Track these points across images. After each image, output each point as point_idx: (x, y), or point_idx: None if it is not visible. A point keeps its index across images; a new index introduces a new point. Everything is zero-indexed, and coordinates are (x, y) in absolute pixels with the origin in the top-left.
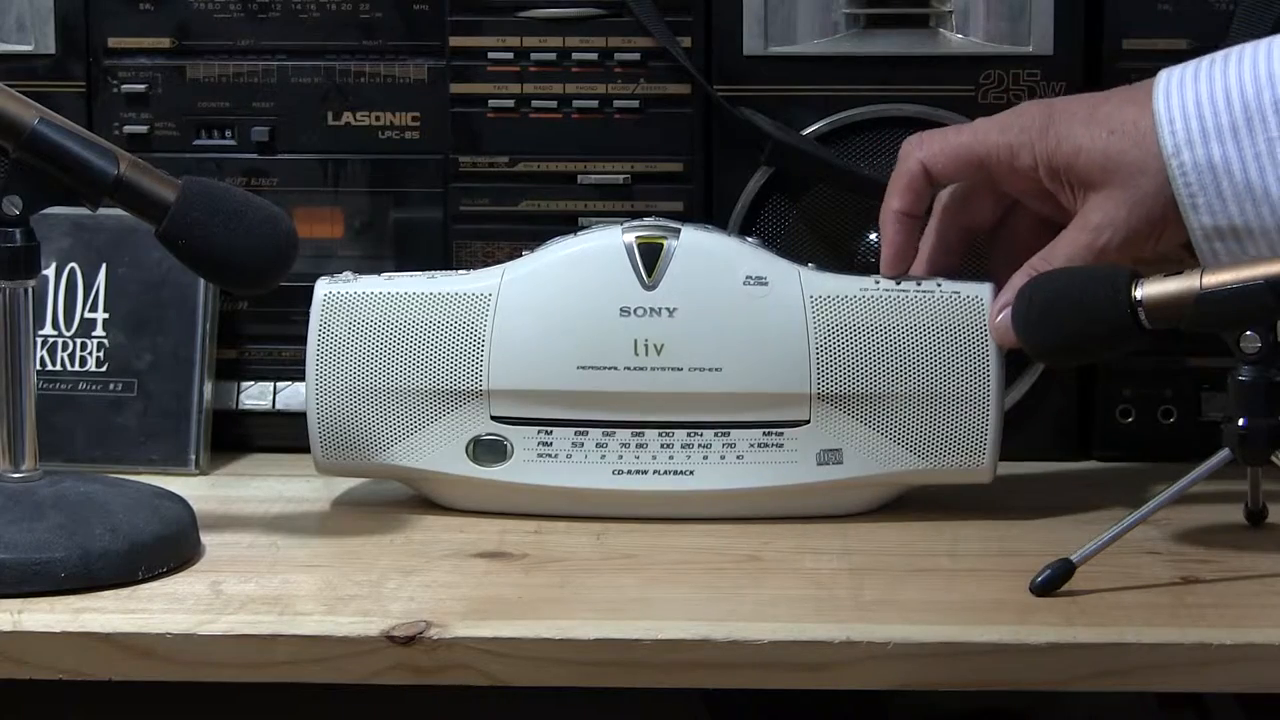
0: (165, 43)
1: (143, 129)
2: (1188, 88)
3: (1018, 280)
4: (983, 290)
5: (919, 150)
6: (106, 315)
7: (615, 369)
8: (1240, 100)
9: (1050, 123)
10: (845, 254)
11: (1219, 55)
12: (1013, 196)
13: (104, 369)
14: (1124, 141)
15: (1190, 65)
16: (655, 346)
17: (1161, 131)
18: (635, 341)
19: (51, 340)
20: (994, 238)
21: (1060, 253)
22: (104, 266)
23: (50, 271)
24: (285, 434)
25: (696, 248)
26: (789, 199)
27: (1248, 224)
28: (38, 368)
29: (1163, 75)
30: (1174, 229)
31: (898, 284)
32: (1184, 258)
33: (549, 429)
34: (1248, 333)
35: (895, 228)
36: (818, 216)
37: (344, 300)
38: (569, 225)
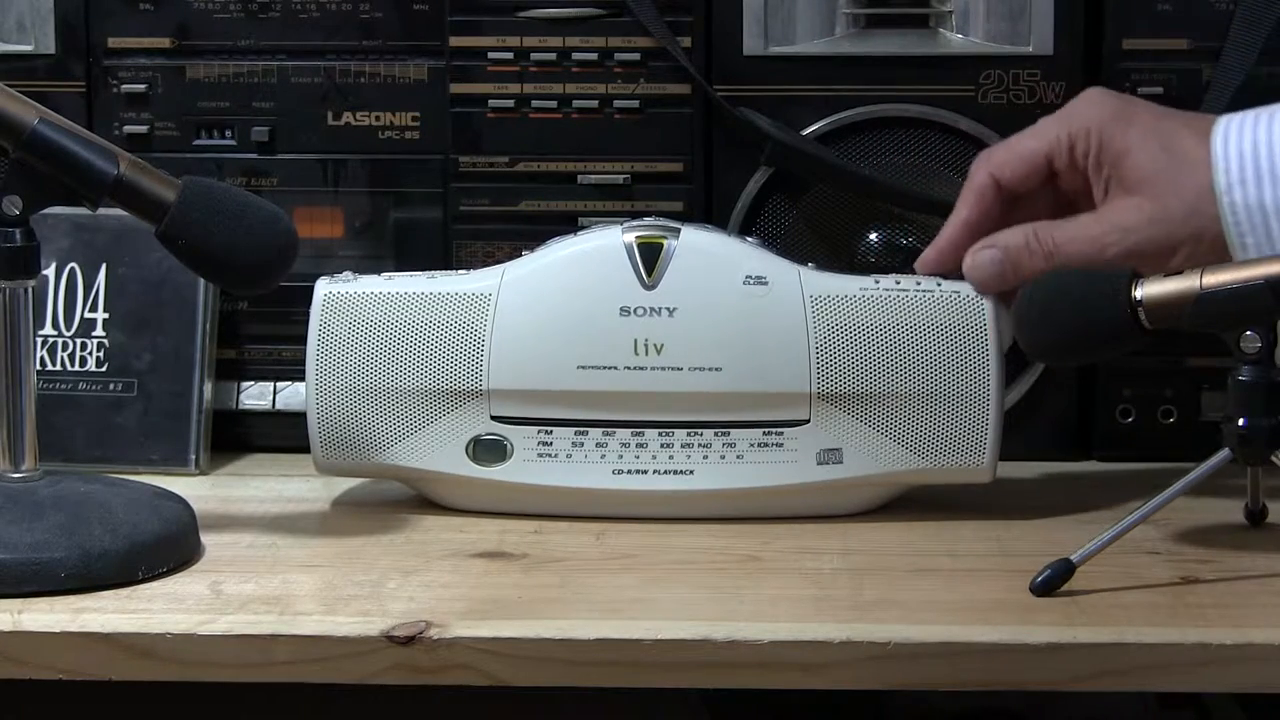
0: (165, 43)
1: (143, 129)
2: (1246, 131)
3: (1014, 236)
4: None
5: (987, 163)
6: (106, 315)
7: (615, 369)
8: None
9: (1112, 117)
10: (845, 254)
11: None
12: (1068, 196)
13: (104, 369)
14: (1172, 163)
15: (1252, 112)
16: (655, 346)
17: (1216, 169)
18: (635, 341)
19: (51, 340)
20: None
21: (1068, 231)
22: (104, 266)
23: (50, 271)
24: (285, 434)
25: (696, 248)
26: (789, 199)
27: None
28: (38, 368)
29: (1224, 118)
30: (1182, 259)
31: (898, 284)
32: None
33: (549, 429)
34: (1248, 333)
35: (952, 233)
36: (818, 216)
37: (344, 300)
38: (569, 225)
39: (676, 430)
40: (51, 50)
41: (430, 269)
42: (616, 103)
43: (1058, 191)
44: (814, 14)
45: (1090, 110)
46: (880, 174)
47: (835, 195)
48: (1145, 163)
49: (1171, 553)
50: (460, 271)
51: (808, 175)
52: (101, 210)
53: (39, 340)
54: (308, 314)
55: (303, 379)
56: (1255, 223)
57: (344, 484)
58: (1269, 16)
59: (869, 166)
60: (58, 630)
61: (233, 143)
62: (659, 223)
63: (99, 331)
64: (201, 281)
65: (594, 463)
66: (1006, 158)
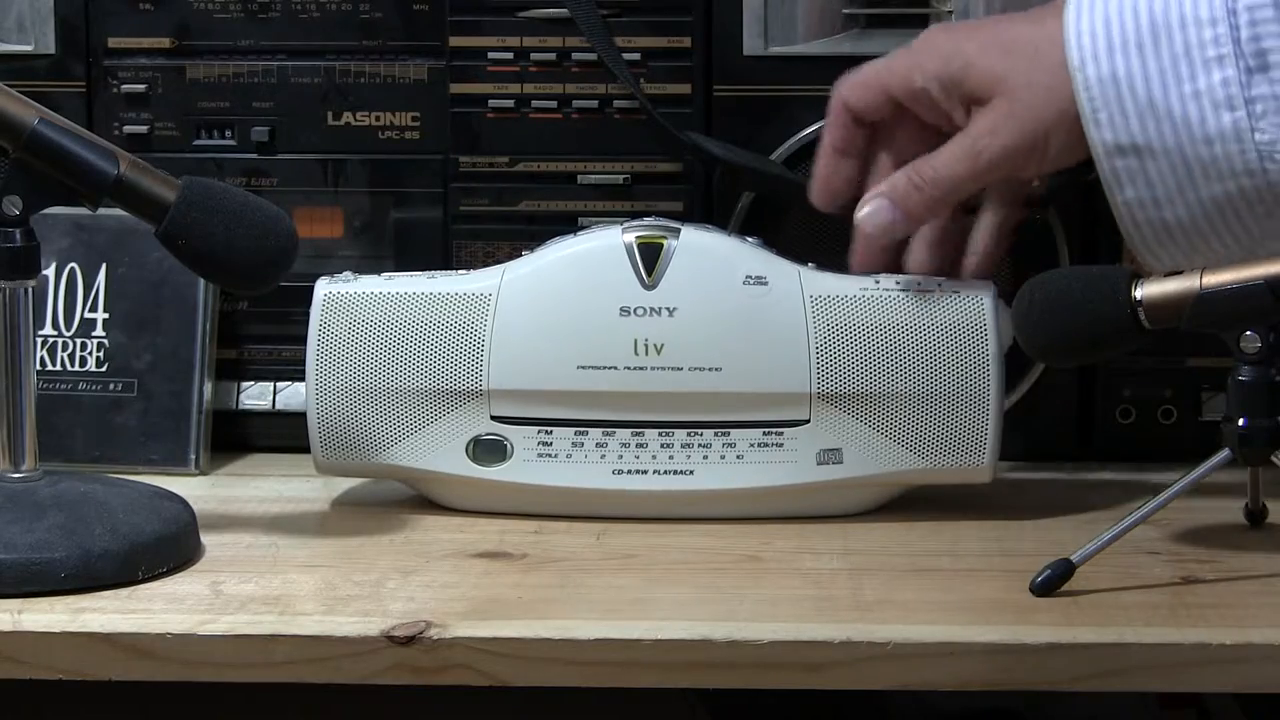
0: (165, 43)
1: (143, 129)
2: (1098, 4)
3: (896, 178)
4: (983, 290)
5: (842, 86)
6: (106, 315)
7: (615, 369)
8: (1148, 16)
9: (944, 42)
10: (845, 254)
11: None
12: (933, 124)
13: (104, 369)
14: (1018, 60)
15: None
16: (655, 346)
17: (1069, 45)
18: (635, 341)
19: (51, 340)
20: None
21: (942, 156)
22: (104, 266)
23: (50, 271)
24: (285, 434)
25: (696, 248)
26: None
27: (1149, 141)
28: (38, 368)
29: None
30: (1061, 147)
31: (898, 284)
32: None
33: (549, 429)
34: (1248, 333)
35: (822, 161)
36: (818, 216)
37: (344, 300)
38: (569, 225)
39: (676, 430)
40: (51, 50)
41: (430, 269)
42: (616, 103)
43: (923, 124)
44: (814, 14)
45: (924, 46)
46: None
47: None
48: (989, 67)
49: (1171, 553)
50: (460, 271)
51: (764, 193)
52: (101, 210)
53: (39, 340)
54: (308, 314)
55: (303, 379)
56: (1109, 96)
57: (344, 484)
58: None
59: None
60: (58, 630)
61: (233, 143)
62: (659, 223)
63: (99, 331)
64: (201, 281)
65: (594, 463)
66: (854, 84)
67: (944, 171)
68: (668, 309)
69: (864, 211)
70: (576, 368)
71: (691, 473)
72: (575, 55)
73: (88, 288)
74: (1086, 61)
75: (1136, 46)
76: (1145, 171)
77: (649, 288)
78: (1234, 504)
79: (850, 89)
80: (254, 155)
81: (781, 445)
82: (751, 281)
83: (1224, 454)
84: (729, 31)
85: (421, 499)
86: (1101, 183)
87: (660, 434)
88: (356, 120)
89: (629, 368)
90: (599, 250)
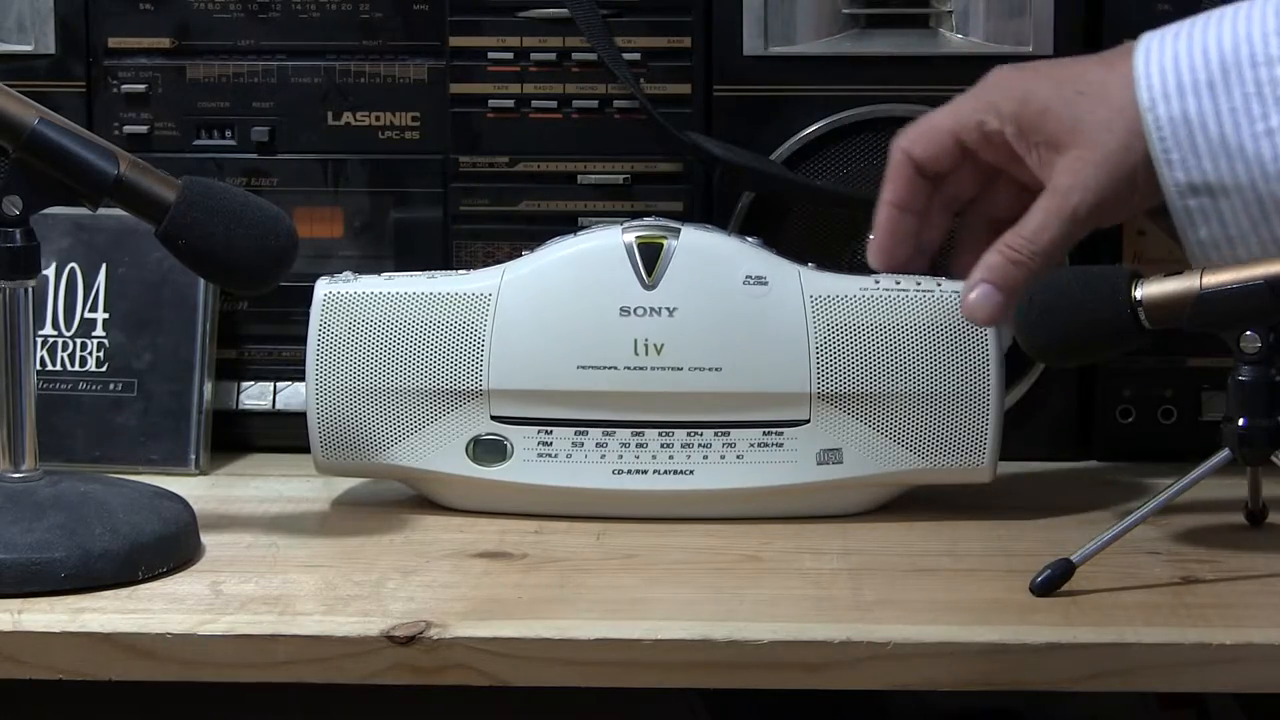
0: (165, 43)
1: (143, 129)
2: (1167, 46)
3: (990, 258)
4: None
5: (902, 138)
6: (106, 315)
7: (615, 369)
8: (1218, 55)
9: (1017, 84)
10: (845, 254)
11: (1201, 16)
12: (994, 167)
13: (104, 369)
14: (1092, 101)
15: (1173, 26)
16: (655, 346)
17: (1139, 86)
18: (635, 341)
19: (51, 340)
20: (971, 204)
21: (1032, 222)
22: (104, 266)
23: (50, 271)
24: (285, 434)
25: (696, 247)
26: (789, 198)
27: (1222, 180)
28: (38, 368)
29: (1144, 36)
30: (1144, 190)
31: (897, 284)
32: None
33: (549, 429)
34: (1248, 333)
35: (882, 217)
36: (817, 216)
37: (344, 300)
38: (569, 225)
39: (676, 430)
40: (51, 50)
41: (430, 269)
42: (616, 103)
43: (983, 167)
44: (814, 14)
45: (998, 85)
46: (839, 185)
47: None
48: (1064, 112)
49: (1171, 553)
50: (460, 271)
51: (764, 193)
52: (101, 210)
53: (39, 340)
54: (308, 314)
55: (303, 379)
56: (1180, 137)
57: (344, 484)
58: None
59: (860, 169)
60: (58, 630)
61: (233, 143)
62: (659, 223)
63: (99, 331)
64: (201, 281)
65: (594, 463)
66: (920, 134)
67: (1042, 239)
68: (668, 309)
69: (971, 301)
70: (576, 368)
71: (691, 473)
72: (575, 55)
73: (88, 288)
74: (1157, 102)
75: (1207, 86)
76: (1219, 211)
77: (649, 288)
78: (1234, 504)
79: (914, 140)
80: (254, 155)
81: (781, 445)
82: (751, 281)
83: (1224, 454)
84: (729, 31)
85: (421, 499)
86: (1174, 223)
87: (660, 434)
88: (356, 120)
89: (629, 368)
90: (599, 250)
